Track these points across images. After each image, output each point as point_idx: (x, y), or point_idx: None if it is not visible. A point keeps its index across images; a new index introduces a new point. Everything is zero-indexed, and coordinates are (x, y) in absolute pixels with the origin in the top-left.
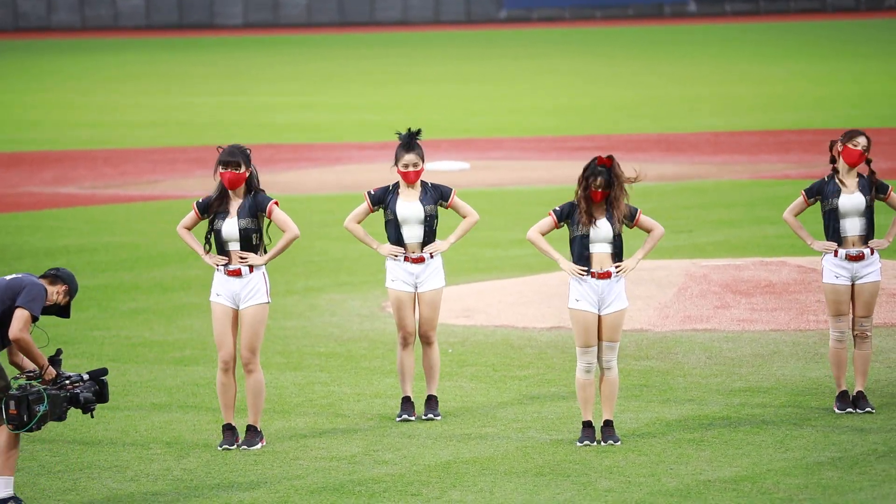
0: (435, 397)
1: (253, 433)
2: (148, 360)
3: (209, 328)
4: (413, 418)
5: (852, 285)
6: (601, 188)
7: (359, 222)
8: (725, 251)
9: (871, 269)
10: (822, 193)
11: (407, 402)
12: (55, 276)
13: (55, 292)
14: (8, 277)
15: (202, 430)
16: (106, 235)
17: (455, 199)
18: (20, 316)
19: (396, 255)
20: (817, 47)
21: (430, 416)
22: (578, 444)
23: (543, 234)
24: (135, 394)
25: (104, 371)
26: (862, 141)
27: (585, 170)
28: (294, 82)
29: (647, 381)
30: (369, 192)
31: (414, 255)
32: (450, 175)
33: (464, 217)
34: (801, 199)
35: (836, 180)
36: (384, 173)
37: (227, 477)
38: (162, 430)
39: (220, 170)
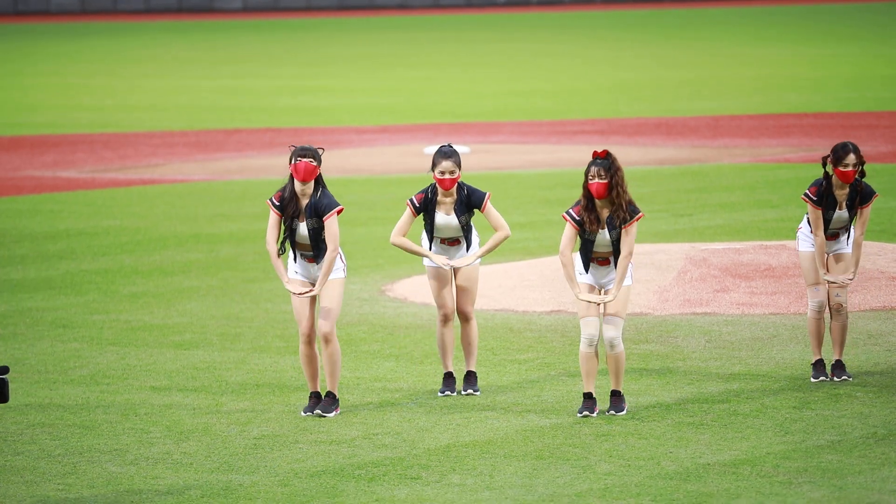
0: (474, 373)
1: (330, 400)
2: (148, 344)
3: (209, 312)
4: (454, 393)
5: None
6: (596, 178)
7: (404, 234)
8: (725, 235)
9: (845, 242)
10: (829, 203)
11: (448, 378)
12: None
13: None
14: None
15: (202, 414)
16: (106, 219)
17: (488, 206)
18: None
19: (446, 265)
20: (817, 30)
21: (470, 391)
22: (578, 414)
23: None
24: (134, 377)
25: (5, 369)
26: (851, 159)
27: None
28: (293, 66)
29: (646, 364)
30: (412, 201)
31: (450, 238)
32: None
33: (496, 230)
34: (812, 208)
35: (832, 193)
36: (383, 157)
37: (227, 461)
38: (162, 414)
39: (296, 161)
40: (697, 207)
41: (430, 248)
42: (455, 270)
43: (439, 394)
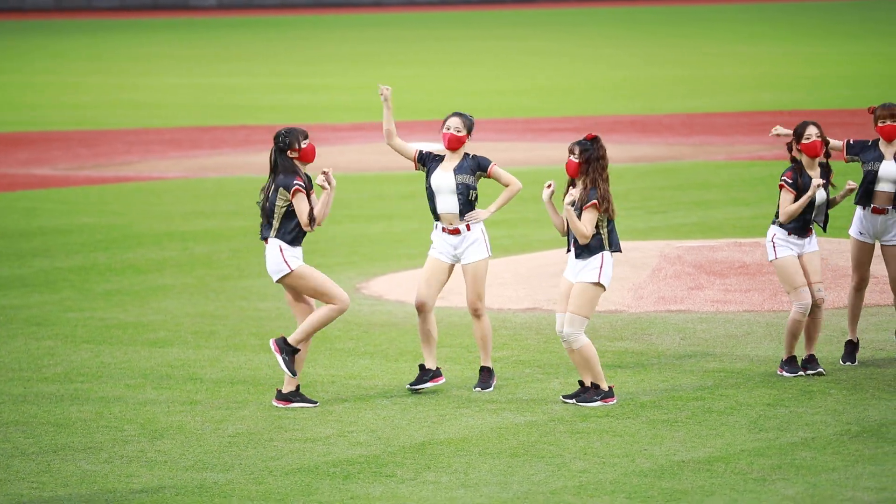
0: (487, 368)
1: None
2: (122, 342)
3: (183, 309)
4: (414, 388)
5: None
6: (571, 155)
7: (400, 147)
8: (700, 232)
9: (813, 242)
10: (803, 186)
11: (420, 369)
12: None
13: None
14: None
15: (176, 412)
16: (80, 216)
17: (494, 168)
18: None
19: (382, 92)
20: (791, 29)
21: (478, 388)
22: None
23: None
24: (109, 375)
25: None
26: (813, 130)
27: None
28: (268, 64)
29: (620, 361)
30: (420, 151)
31: (450, 227)
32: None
33: (506, 186)
34: (787, 193)
35: (806, 173)
36: (359, 154)
37: (202, 458)
38: (136, 412)
39: (305, 143)
40: (672, 205)
41: (433, 234)
42: (463, 267)
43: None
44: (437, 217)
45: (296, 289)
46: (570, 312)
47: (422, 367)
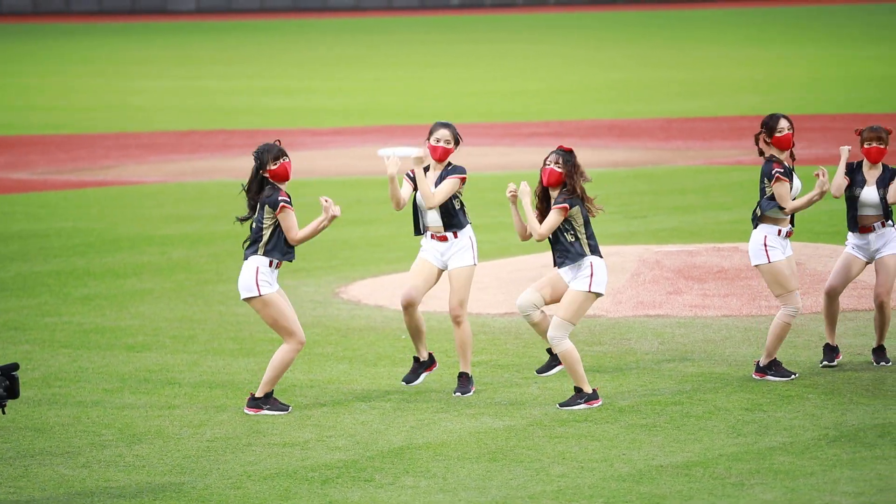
0: (466, 374)
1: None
2: (100, 346)
3: (162, 314)
4: (413, 382)
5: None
6: (550, 164)
7: (400, 195)
8: (679, 237)
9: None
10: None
11: (415, 362)
12: None
13: None
14: None
15: (154, 417)
16: (58, 221)
17: (449, 179)
18: None
19: (389, 157)
20: (770, 33)
21: (457, 393)
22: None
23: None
24: (87, 380)
25: (15, 366)
26: (784, 124)
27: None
28: (247, 67)
29: (599, 366)
30: (408, 175)
31: (438, 234)
32: (403, 161)
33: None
34: (783, 182)
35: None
36: (338, 159)
37: (180, 463)
38: (114, 417)
39: (284, 160)
40: (651, 209)
41: (422, 243)
42: (448, 273)
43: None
44: (423, 230)
45: (258, 312)
46: (558, 317)
47: (416, 359)
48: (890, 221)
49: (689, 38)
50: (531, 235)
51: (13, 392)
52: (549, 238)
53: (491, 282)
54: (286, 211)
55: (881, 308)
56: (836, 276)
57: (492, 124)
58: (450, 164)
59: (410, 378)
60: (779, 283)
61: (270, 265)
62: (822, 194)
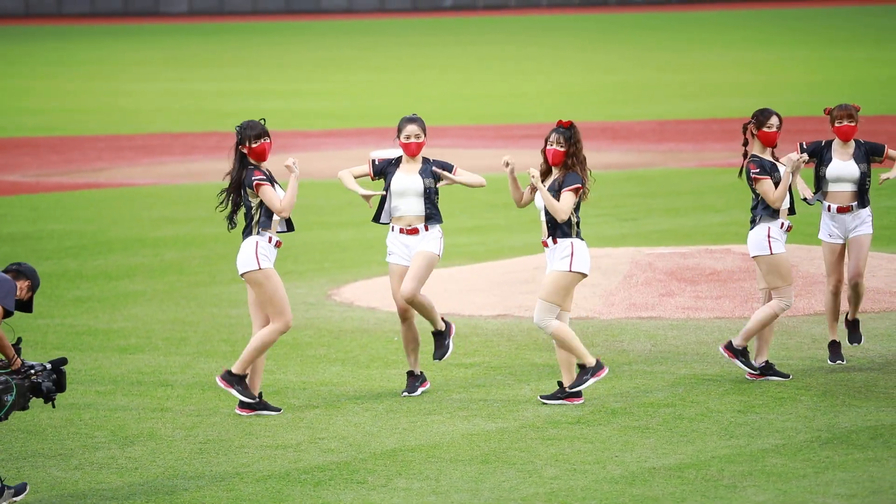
0: (411, 372)
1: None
2: (92, 349)
3: (154, 316)
4: (414, 394)
5: None
6: (554, 144)
7: (355, 177)
8: (671, 239)
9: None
10: (771, 169)
11: (410, 377)
12: (17, 272)
13: (19, 288)
14: None
15: (147, 419)
16: (51, 223)
17: (458, 170)
18: None
19: (369, 197)
20: (762, 35)
21: (405, 393)
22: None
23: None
24: (79, 382)
25: (64, 360)
26: (774, 121)
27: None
28: (239, 70)
29: None
30: (373, 161)
31: (409, 227)
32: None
33: (470, 186)
34: (765, 180)
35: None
36: (329, 161)
37: (173, 465)
38: (106, 419)
39: (265, 140)
40: (643, 212)
41: (388, 238)
42: (413, 254)
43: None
44: (384, 219)
45: (253, 288)
46: (540, 299)
47: (411, 373)
48: (866, 203)
49: (682, 40)
50: (526, 204)
51: (61, 386)
52: (541, 208)
53: (483, 284)
54: (263, 187)
55: (856, 288)
56: (834, 270)
57: (484, 126)
58: (426, 158)
59: (411, 391)
60: (779, 274)
61: (270, 241)
62: (796, 168)
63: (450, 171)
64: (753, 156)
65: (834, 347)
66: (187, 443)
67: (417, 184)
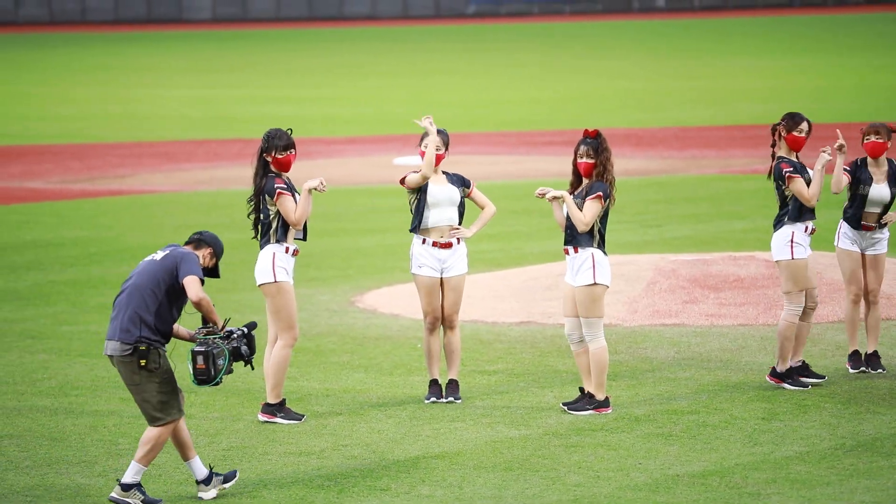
0: (456, 381)
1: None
2: None
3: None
4: (440, 400)
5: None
6: (584, 157)
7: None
8: (694, 246)
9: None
10: (801, 169)
11: (434, 385)
12: (199, 241)
13: (202, 256)
14: (158, 256)
15: None
16: (73, 230)
17: (475, 189)
18: (192, 282)
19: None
20: (784, 42)
21: (451, 398)
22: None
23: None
24: (103, 389)
25: (254, 325)
26: (805, 127)
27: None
28: (262, 77)
29: (615, 375)
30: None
31: (443, 241)
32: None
33: (482, 208)
34: (798, 179)
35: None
36: (352, 167)
37: None
38: (130, 426)
39: (291, 153)
40: (665, 218)
41: (413, 256)
42: (444, 280)
43: (426, 400)
44: (424, 230)
45: (267, 298)
46: (583, 317)
47: (436, 381)
48: (887, 222)
49: (705, 47)
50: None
51: (252, 349)
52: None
53: (506, 291)
54: (283, 197)
55: (873, 306)
56: (854, 279)
57: (507, 133)
58: (447, 172)
59: (435, 397)
60: (796, 279)
61: (287, 252)
62: (825, 166)
63: (468, 188)
64: (782, 157)
65: (855, 357)
66: (211, 449)
67: (454, 193)
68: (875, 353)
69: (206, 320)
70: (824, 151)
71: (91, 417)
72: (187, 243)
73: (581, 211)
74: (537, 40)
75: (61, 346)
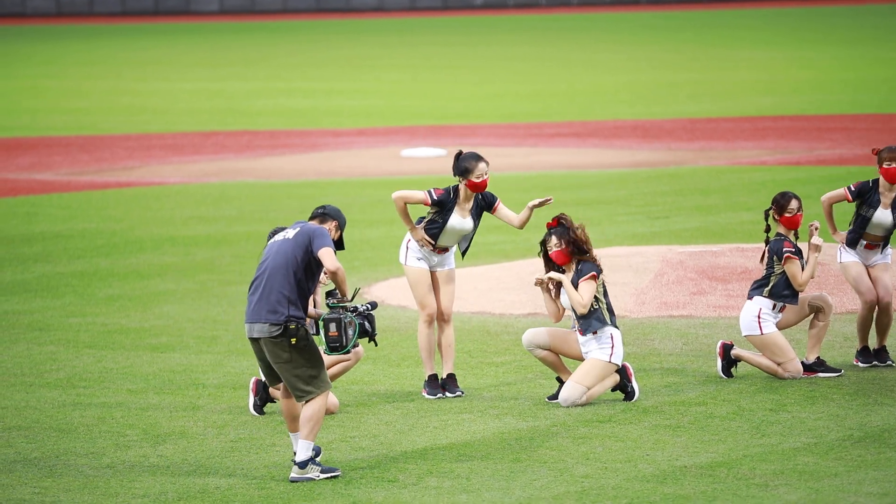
0: (454, 375)
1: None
2: (124, 347)
3: (185, 315)
4: (449, 395)
5: None
6: (556, 248)
7: (405, 203)
8: (702, 237)
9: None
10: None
11: (433, 380)
12: (324, 215)
13: (329, 229)
14: (290, 235)
15: (178, 417)
16: (82, 222)
17: (500, 205)
18: (328, 253)
19: (424, 245)
20: (793, 33)
21: (459, 393)
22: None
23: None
24: (111, 380)
25: (375, 305)
26: (794, 205)
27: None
28: (270, 69)
29: None
30: (431, 194)
31: (442, 248)
32: (426, 162)
33: (510, 223)
34: (796, 261)
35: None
36: (360, 159)
37: (204, 464)
38: (138, 417)
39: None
40: (674, 210)
41: (409, 248)
42: (436, 274)
43: (430, 397)
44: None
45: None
46: (574, 381)
47: (435, 377)
48: (888, 242)
49: (714, 38)
50: (563, 312)
51: (374, 327)
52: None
53: (513, 282)
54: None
55: (887, 309)
56: (866, 286)
57: (515, 125)
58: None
59: (440, 393)
60: (773, 351)
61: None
62: (817, 248)
63: (494, 200)
64: (780, 234)
65: (864, 352)
66: (218, 441)
67: (468, 226)
68: (883, 348)
69: (331, 292)
70: (814, 235)
71: (99, 409)
72: (311, 218)
73: (577, 292)
74: (545, 32)
75: (69, 337)
